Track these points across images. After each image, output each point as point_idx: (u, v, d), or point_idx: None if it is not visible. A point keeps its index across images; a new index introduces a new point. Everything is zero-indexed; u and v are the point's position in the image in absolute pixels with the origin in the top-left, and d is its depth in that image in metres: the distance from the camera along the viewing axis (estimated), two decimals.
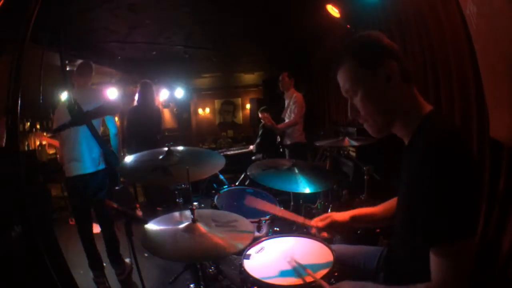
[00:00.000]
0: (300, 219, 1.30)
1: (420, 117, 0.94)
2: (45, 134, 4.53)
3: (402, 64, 0.95)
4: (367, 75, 0.95)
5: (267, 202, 1.42)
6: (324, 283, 1.06)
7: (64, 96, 2.45)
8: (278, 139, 4.22)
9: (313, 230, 1.25)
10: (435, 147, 0.82)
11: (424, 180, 0.83)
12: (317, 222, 1.25)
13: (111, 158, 2.52)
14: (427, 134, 0.89)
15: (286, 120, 4.00)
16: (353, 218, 1.25)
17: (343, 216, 1.25)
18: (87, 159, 2.41)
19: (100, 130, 2.57)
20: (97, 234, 2.56)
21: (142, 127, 3.89)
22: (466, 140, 0.90)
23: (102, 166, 2.48)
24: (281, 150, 4.21)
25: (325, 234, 1.24)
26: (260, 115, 4.18)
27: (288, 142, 4.01)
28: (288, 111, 3.99)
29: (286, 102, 4.05)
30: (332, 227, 1.23)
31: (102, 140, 2.45)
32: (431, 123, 0.91)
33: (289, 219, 1.33)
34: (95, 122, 2.38)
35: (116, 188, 2.66)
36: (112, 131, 2.74)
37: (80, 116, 2.20)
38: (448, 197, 0.78)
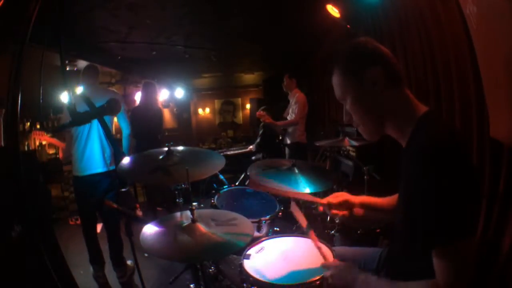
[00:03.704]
0: (309, 197, 1.37)
1: (414, 119, 0.94)
2: (45, 133, 4.51)
3: (390, 68, 0.97)
4: (353, 81, 0.99)
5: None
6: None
7: (79, 92, 2.42)
8: (280, 137, 4.25)
9: (321, 208, 1.30)
10: (429, 148, 0.83)
11: (419, 181, 0.83)
12: (330, 199, 1.29)
13: (121, 159, 2.47)
14: (421, 136, 0.90)
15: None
16: (362, 204, 1.28)
17: (353, 198, 1.29)
18: (99, 158, 2.38)
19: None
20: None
21: (145, 127, 3.87)
22: (462, 140, 0.89)
23: (113, 166, 2.42)
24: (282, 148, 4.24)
25: (334, 212, 1.27)
26: (257, 114, 4.18)
27: (289, 142, 4.03)
28: (290, 111, 4.04)
29: (290, 101, 4.13)
30: (345, 205, 1.27)
31: (114, 140, 2.38)
32: (426, 125, 0.92)
33: (302, 199, 1.40)
34: (107, 121, 2.33)
35: (122, 190, 2.62)
36: (126, 131, 2.69)
37: (86, 114, 2.18)
38: (444, 198, 0.78)
